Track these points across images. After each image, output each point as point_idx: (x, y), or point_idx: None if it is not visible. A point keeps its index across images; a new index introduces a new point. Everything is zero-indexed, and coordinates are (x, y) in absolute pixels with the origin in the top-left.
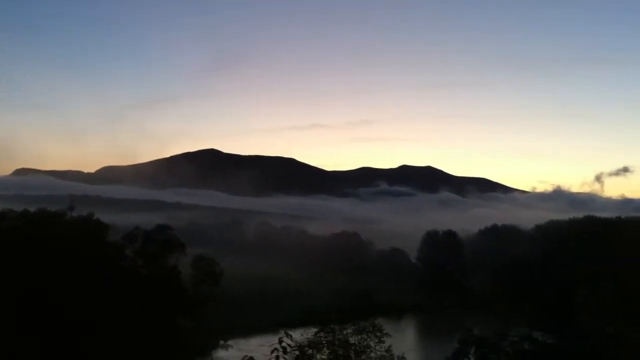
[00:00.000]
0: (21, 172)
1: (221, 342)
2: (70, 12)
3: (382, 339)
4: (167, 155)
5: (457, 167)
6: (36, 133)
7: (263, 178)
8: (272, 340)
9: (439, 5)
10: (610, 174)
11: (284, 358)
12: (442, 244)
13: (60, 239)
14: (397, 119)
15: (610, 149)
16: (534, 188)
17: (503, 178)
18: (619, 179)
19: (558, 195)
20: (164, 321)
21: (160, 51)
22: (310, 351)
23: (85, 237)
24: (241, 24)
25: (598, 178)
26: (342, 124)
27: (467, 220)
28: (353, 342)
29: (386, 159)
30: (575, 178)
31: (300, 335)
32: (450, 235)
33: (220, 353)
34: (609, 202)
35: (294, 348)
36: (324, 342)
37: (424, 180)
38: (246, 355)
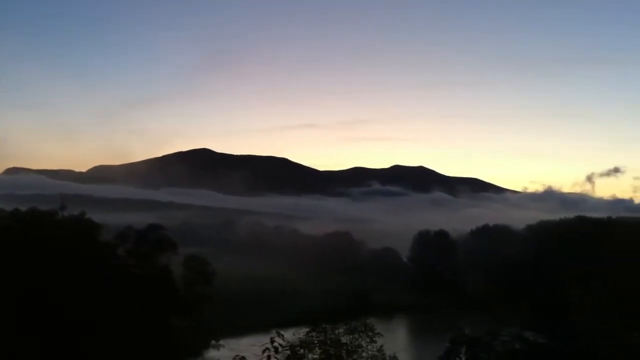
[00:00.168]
0: (12, 171)
1: (212, 341)
2: (62, 11)
3: (374, 339)
4: (160, 155)
5: (449, 167)
6: (27, 132)
7: (256, 178)
8: (264, 340)
9: (435, 5)
10: (601, 175)
11: (276, 358)
12: (433, 243)
13: (55, 238)
14: (390, 119)
15: (602, 149)
16: (526, 188)
17: (495, 178)
18: (610, 180)
19: (549, 196)
20: (156, 321)
21: (152, 51)
22: (301, 351)
23: (80, 237)
24: (234, 23)
25: (589, 178)
26: (334, 124)
27: (459, 220)
28: (345, 341)
29: (379, 159)
30: (566, 178)
31: (292, 334)
32: (442, 235)
33: (212, 353)
34: (600, 203)
35: (286, 348)
36: (315, 341)
37: (416, 180)
38: (237, 355)
